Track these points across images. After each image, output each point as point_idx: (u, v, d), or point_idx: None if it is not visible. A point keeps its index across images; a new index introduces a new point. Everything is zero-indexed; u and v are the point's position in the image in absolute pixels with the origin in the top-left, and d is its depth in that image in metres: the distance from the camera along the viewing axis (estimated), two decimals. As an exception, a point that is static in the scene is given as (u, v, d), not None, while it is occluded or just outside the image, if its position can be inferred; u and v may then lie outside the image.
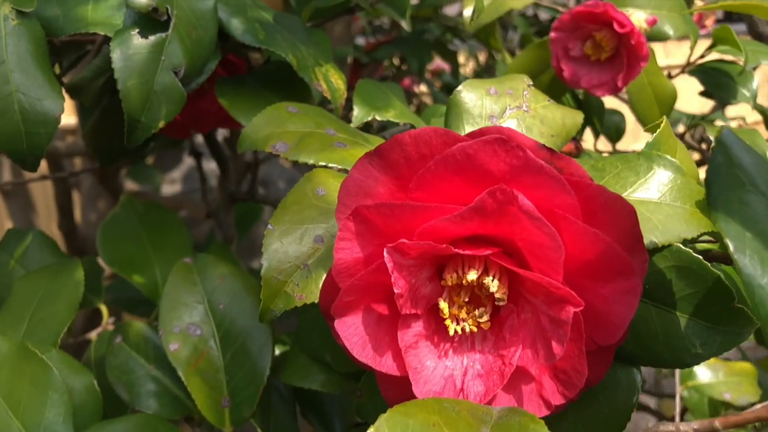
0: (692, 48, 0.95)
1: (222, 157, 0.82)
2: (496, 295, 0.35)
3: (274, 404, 0.54)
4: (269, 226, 0.41)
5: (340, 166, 0.45)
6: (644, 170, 0.42)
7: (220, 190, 0.78)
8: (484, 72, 1.92)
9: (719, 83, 0.97)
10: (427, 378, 0.36)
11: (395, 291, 0.34)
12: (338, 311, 0.36)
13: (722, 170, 0.27)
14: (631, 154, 0.43)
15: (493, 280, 0.35)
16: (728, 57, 0.95)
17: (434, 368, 0.36)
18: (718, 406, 1.09)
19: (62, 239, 1.27)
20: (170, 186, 1.87)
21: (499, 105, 0.51)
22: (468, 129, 0.50)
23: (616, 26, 0.78)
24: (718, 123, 1.17)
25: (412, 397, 0.35)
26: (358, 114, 0.55)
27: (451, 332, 0.36)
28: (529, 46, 0.91)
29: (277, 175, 1.91)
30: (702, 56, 0.97)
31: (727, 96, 0.96)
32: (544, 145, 0.35)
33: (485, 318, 0.36)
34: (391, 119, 0.55)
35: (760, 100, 0.93)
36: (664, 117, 0.47)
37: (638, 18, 0.82)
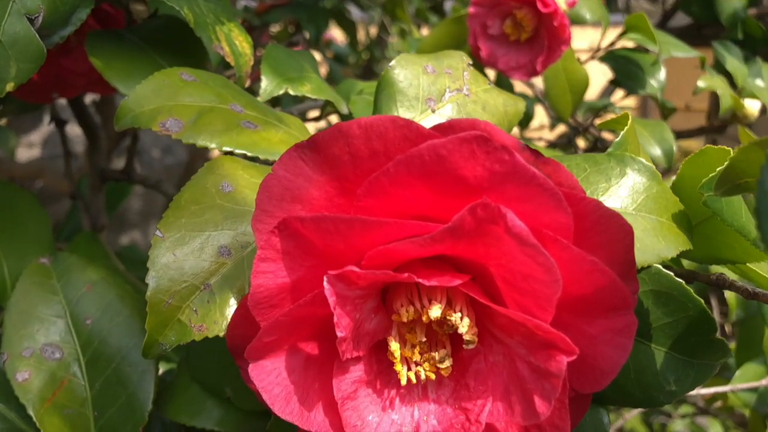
0: (603, 34, 0.92)
1: (90, 125, 0.69)
2: (465, 337, 0.27)
3: (157, 445, 0.44)
4: (158, 233, 0.31)
5: (250, 153, 0.36)
6: (616, 175, 0.36)
7: (89, 167, 0.65)
8: (375, 45, 1.85)
9: (629, 72, 0.95)
10: (369, 438, 0.28)
11: (338, 334, 0.25)
12: (255, 353, 0.27)
13: (779, 197, 0.20)
14: (599, 155, 0.37)
15: (462, 318, 0.27)
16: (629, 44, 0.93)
17: (378, 424, 0.28)
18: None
19: None
20: (28, 150, 1.66)
21: (437, 86, 0.44)
22: (402, 112, 0.42)
23: (539, 5, 0.72)
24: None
25: (349, 460, 0.27)
26: (268, 86, 0.45)
27: (404, 381, 0.28)
28: (445, 21, 0.84)
29: (150, 143, 1.74)
30: (612, 43, 0.94)
31: (636, 86, 0.94)
32: (527, 145, 0.28)
33: (447, 363, 0.28)
34: (307, 94, 0.46)
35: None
36: (628, 113, 0.41)
37: (559, -2, 0.77)
